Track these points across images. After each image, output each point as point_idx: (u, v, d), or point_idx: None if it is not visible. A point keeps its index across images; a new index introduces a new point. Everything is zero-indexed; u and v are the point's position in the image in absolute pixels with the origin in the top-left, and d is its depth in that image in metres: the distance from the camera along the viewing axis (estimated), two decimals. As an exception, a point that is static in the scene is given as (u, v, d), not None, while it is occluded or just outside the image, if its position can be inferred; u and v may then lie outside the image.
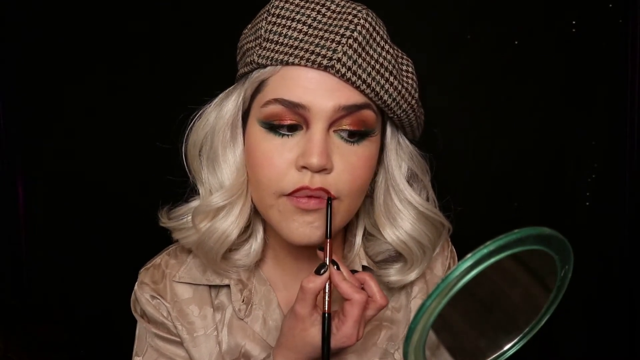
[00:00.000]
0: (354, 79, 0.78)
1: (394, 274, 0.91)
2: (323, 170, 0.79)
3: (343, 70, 0.77)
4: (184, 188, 0.91)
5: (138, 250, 1.00)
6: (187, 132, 0.88)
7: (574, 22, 1.45)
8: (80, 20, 1.56)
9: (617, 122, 1.48)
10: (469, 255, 0.58)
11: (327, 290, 0.77)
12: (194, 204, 0.90)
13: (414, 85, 0.86)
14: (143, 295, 0.91)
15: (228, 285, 0.91)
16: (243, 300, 0.90)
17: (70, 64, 1.58)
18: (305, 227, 0.82)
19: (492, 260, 0.58)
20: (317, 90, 0.78)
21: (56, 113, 1.61)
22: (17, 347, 1.53)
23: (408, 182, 0.90)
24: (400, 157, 0.89)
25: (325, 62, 0.77)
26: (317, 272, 0.77)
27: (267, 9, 0.82)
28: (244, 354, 0.89)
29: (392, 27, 0.86)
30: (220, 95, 0.87)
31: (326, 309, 0.76)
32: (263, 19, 0.81)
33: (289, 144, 0.80)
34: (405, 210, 0.89)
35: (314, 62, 0.77)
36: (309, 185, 0.79)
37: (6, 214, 1.67)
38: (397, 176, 0.89)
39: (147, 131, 1.50)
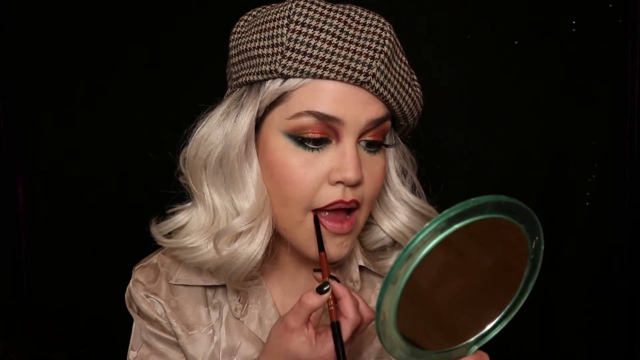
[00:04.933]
0: (385, 93, 0.79)
1: None
2: (357, 183, 0.79)
3: (377, 85, 0.77)
4: (181, 189, 0.91)
5: (138, 250, 1.00)
6: (185, 143, 0.85)
7: (574, 22, 1.45)
8: (81, 21, 1.56)
9: (617, 122, 1.47)
10: (427, 224, 0.57)
11: (330, 301, 0.75)
12: (181, 217, 0.87)
13: (421, 93, 0.88)
14: (138, 292, 0.91)
15: (224, 285, 0.91)
16: (239, 300, 0.90)
17: (71, 64, 1.58)
18: (336, 248, 0.82)
19: (452, 228, 0.58)
20: (351, 104, 0.77)
21: (56, 113, 1.61)
22: (17, 347, 1.54)
23: (401, 179, 0.91)
24: (395, 157, 0.90)
25: (362, 77, 0.76)
26: (319, 291, 0.75)
27: (285, 14, 0.78)
28: (240, 353, 0.90)
29: (392, 27, 0.86)
30: (224, 106, 0.84)
31: (334, 317, 0.74)
32: (282, 25, 0.77)
33: (320, 158, 0.79)
34: (401, 207, 0.91)
35: (350, 77, 0.76)
36: (344, 199, 0.79)
37: (6, 214, 1.67)
38: (393, 175, 0.90)
39: (148, 131, 1.50)
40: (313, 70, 0.76)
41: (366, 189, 0.82)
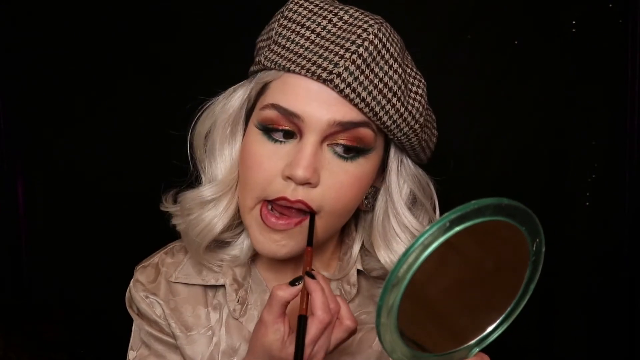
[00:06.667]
0: (352, 95, 0.76)
1: None
2: (307, 183, 0.78)
3: (342, 85, 0.76)
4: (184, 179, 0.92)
5: (138, 251, 1.00)
6: (194, 122, 0.88)
7: (574, 22, 1.45)
8: (81, 16, 1.56)
9: (617, 122, 1.47)
10: (428, 227, 0.57)
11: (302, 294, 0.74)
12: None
13: (420, 109, 0.83)
14: (137, 293, 0.92)
15: (224, 285, 0.91)
16: (238, 301, 0.90)
17: (71, 64, 1.57)
18: (271, 244, 0.81)
19: (453, 231, 0.58)
20: (314, 102, 0.77)
21: (57, 113, 1.61)
22: (17, 347, 1.53)
23: (408, 205, 0.87)
24: (402, 179, 0.87)
25: (324, 75, 0.76)
26: (292, 283, 0.75)
27: (282, 10, 0.81)
28: (240, 354, 0.90)
29: (392, 27, 0.86)
30: (229, 90, 0.87)
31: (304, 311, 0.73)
32: (277, 20, 0.81)
33: (280, 151, 0.79)
34: (402, 235, 0.87)
35: (313, 73, 0.76)
36: (289, 197, 0.78)
37: (6, 214, 1.66)
38: (396, 199, 0.86)
39: (150, 131, 1.50)
40: (284, 62, 0.77)
41: (326, 196, 0.79)
